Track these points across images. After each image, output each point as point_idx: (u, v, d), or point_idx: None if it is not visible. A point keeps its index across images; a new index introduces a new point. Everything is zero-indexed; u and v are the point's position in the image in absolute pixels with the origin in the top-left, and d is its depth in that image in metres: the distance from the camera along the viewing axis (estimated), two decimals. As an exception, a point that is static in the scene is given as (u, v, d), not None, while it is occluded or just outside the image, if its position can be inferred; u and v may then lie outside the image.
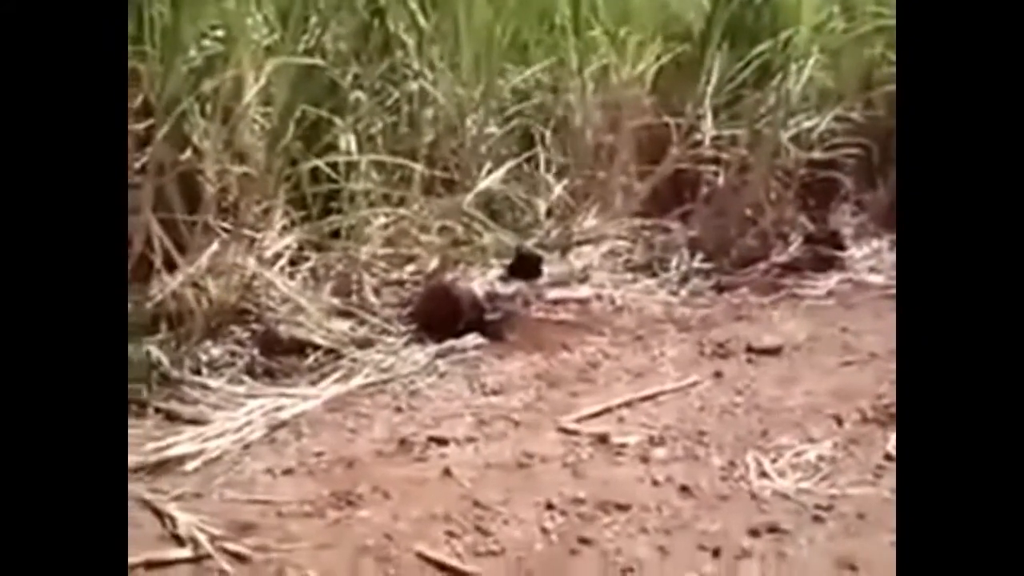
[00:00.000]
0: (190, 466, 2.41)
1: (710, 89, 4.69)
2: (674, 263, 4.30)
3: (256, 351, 3.07)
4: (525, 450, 2.62)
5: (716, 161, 4.59)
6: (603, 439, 2.72)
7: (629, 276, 4.20)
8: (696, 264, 4.33)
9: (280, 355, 3.09)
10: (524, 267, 3.86)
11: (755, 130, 4.66)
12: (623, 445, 2.69)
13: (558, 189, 4.35)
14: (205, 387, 2.84)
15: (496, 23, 4.51)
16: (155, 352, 2.86)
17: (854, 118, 5.14)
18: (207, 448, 2.48)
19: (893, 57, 5.54)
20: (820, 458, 2.68)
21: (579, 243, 4.27)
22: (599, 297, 3.95)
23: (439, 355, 3.24)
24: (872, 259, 4.86)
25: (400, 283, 3.68)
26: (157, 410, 2.72)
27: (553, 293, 3.90)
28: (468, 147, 4.14)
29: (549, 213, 4.33)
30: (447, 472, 2.47)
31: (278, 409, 2.75)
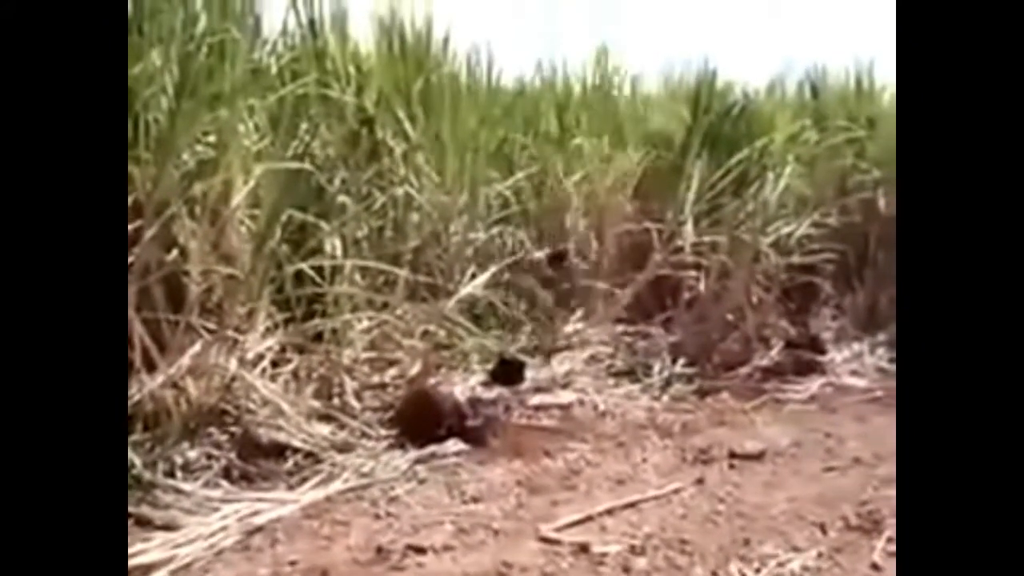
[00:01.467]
0: (158, 575, 2.34)
1: (691, 196, 4.83)
2: (656, 368, 4.32)
3: (234, 454, 3.02)
4: (504, 560, 2.56)
5: (697, 267, 4.68)
6: (584, 548, 2.66)
7: (611, 381, 4.21)
8: (678, 369, 4.36)
9: (258, 458, 3.05)
10: (506, 372, 3.87)
11: (735, 236, 4.75)
12: (604, 555, 2.63)
13: (543, 295, 4.40)
14: (179, 491, 2.78)
15: (481, 132, 4.67)
16: (129, 454, 2.82)
17: (830, 223, 5.29)
18: (177, 555, 2.41)
19: (864, 166, 5.77)
20: (804, 568, 2.62)
21: (562, 348, 4.29)
22: (581, 403, 3.95)
23: (419, 461, 3.20)
24: (853, 363, 4.91)
25: (382, 387, 3.67)
26: (128, 515, 2.66)
27: (535, 399, 3.90)
28: (452, 252, 4.22)
29: (533, 318, 4.37)
30: (424, 582, 2.41)
31: (254, 514, 2.69)
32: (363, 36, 4.27)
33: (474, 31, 5.21)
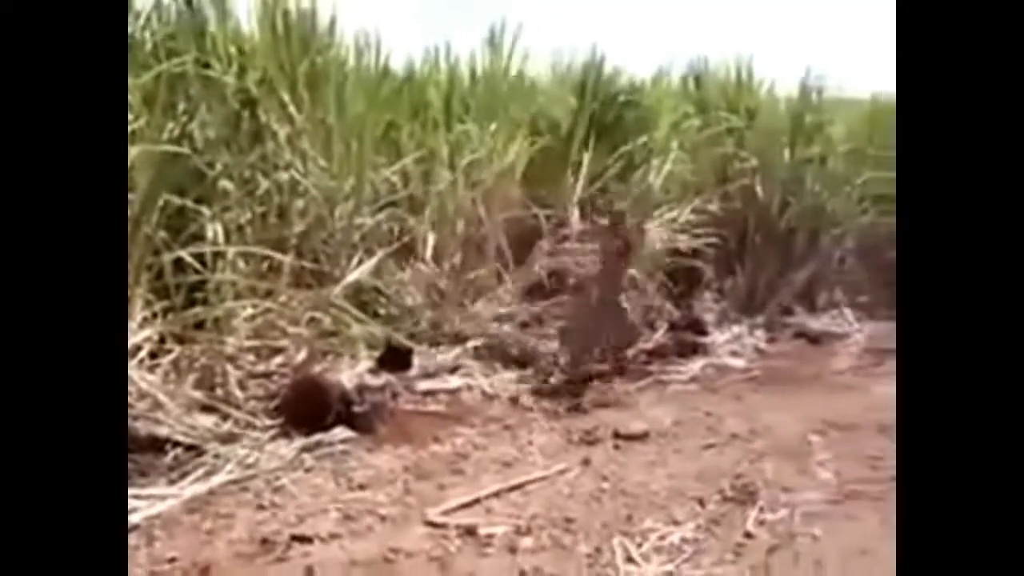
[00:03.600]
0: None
1: (578, 182, 4.91)
2: (543, 352, 4.37)
3: (109, 450, 2.91)
4: (391, 545, 2.57)
5: (584, 252, 4.73)
6: (470, 531, 2.69)
7: (499, 366, 4.24)
8: (565, 353, 4.40)
9: (136, 453, 2.94)
10: (394, 359, 3.85)
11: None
12: (490, 536, 2.67)
13: (430, 280, 4.39)
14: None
15: (368, 116, 4.60)
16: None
17: (712, 210, 5.47)
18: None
19: (744, 154, 6.00)
20: (684, 540, 2.73)
21: (450, 334, 4.30)
22: (469, 388, 3.98)
23: (305, 449, 3.16)
24: (733, 344, 5.10)
25: (267, 375, 3.60)
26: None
27: (423, 384, 3.90)
28: (338, 238, 4.16)
29: (421, 304, 4.35)
30: (309, 572, 2.39)
31: (130, 512, 2.61)
32: (245, 14, 4.15)
33: (362, 14, 5.14)
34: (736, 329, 5.27)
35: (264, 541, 2.54)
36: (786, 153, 6.16)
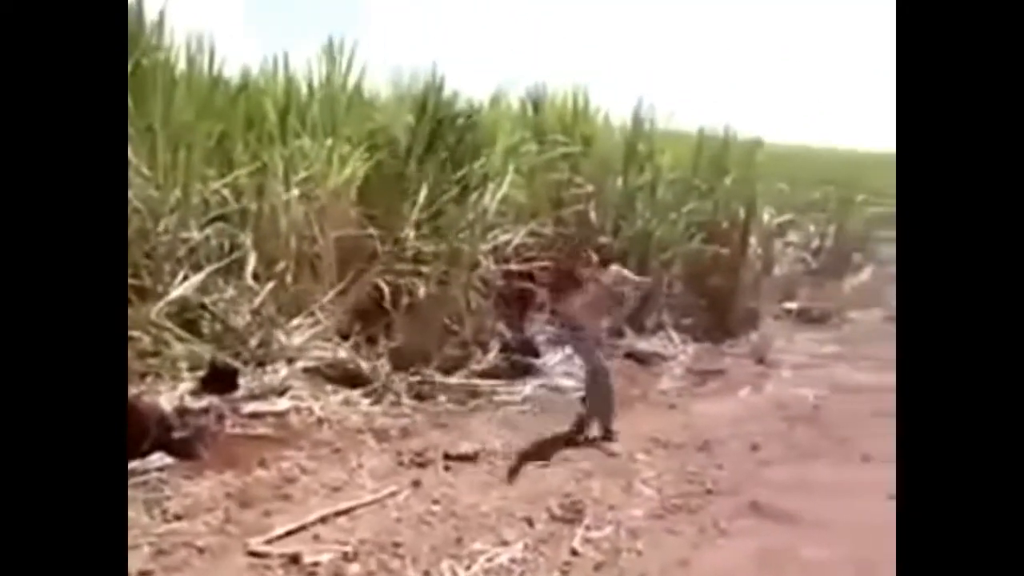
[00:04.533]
0: None
1: (415, 202, 4.88)
2: (375, 373, 4.31)
3: None
4: (209, 579, 2.45)
5: (418, 273, 4.72)
6: (295, 559, 2.61)
7: (329, 388, 4.15)
8: (397, 374, 4.38)
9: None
10: (219, 380, 3.69)
11: (455, 243, 4.86)
12: (316, 564, 2.60)
13: (259, 298, 4.23)
14: None
15: (198, 125, 4.41)
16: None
17: (546, 233, 5.59)
18: None
19: (579, 180, 6.18)
20: (512, 560, 2.76)
21: (279, 354, 4.16)
22: (298, 410, 3.86)
23: (117, 477, 2.96)
24: (564, 364, 5.22)
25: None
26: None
27: (250, 407, 3.75)
28: (162, 252, 3.94)
29: (250, 323, 4.19)
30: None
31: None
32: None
33: (194, 17, 4.92)
34: (568, 350, 5.39)
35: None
36: (619, 180, 6.40)
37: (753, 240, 7.27)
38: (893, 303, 9.09)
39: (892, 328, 7.91)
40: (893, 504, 3.41)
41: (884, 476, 3.72)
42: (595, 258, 4.29)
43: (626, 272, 4.19)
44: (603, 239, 6.10)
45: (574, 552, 2.86)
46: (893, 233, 11.61)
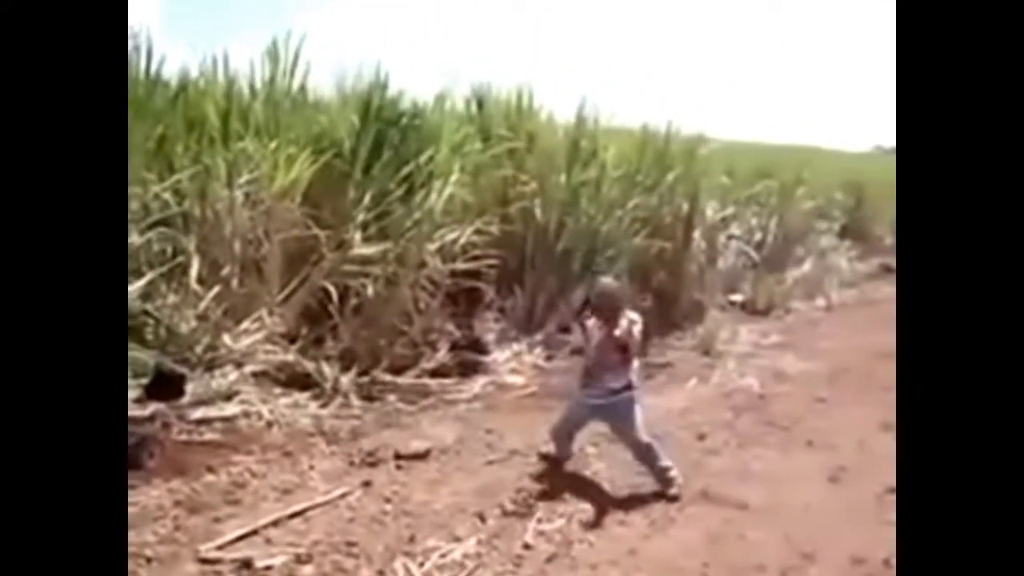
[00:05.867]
0: None
1: (361, 202, 4.85)
2: (324, 375, 4.29)
3: None
4: (158, 587, 2.43)
5: (365, 274, 4.69)
6: (247, 564, 2.59)
7: (278, 390, 4.11)
8: (346, 375, 4.36)
9: None
10: (165, 386, 3.64)
11: (402, 242, 4.85)
12: (268, 568, 2.59)
13: (204, 303, 4.17)
14: None
15: (136, 127, 4.31)
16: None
17: (492, 231, 5.60)
18: None
19: (524, 177, 6.19)
20: (465, 555, 2.78)
21: (227, 358, 4.11)
22: (247, 414, 3.82)
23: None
24: (513, 362, 5.25)
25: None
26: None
27: (197, 413, 3.70)
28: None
29: (195, 328, 4.13)
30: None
31: None
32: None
33: (129, 13, 4.81)
34: (516, 347, 5.43)
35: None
36: (563, 177, 6.44)
37: (697, 234, 7.37)
38: (832, 295, 9.37)
39: (833, 318, 8.15)
40: (834, 487, 3.53)
41: (826, 461, 3.88)
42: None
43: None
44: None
45: (526, 546, 2.89)
46: (831, 225, 11.92)
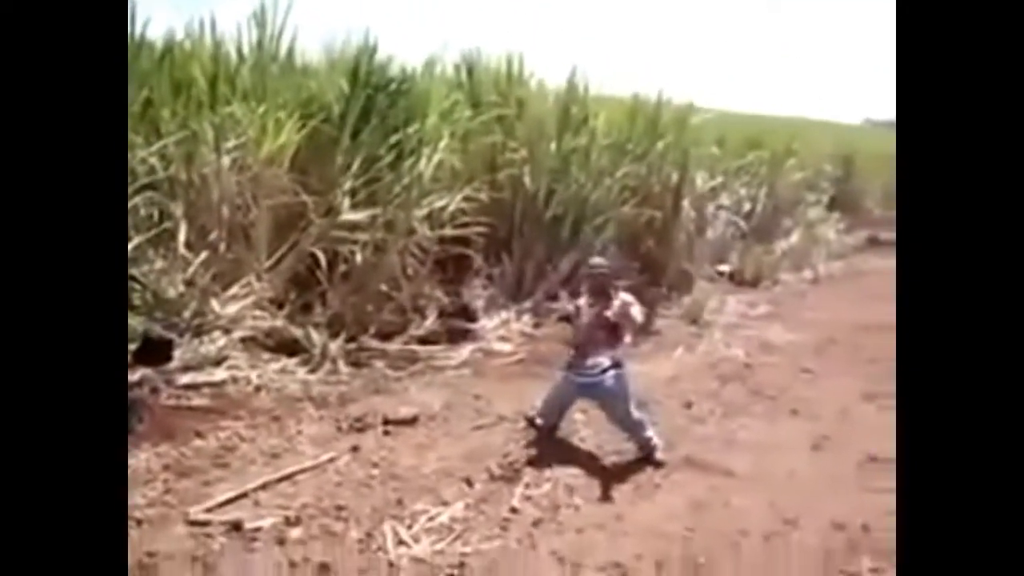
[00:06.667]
0: None
1: (349, 168, 4.82)
2: (312, 341, 4.29)
3: None
4: (147, 550, 2.44)
5: (354, 240, 4.68)
6: (236, 526, 2.61)
7: (266, 356, 4.12)
8: (334, 341, 4.36)
9: None
10: (153, 352, 3.63)
11: (390, 209, 4.83)
12: (257, 530, 2.61)
13: (192, 268, 4.15)
14: None
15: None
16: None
17: (481, 198, 5.58)
18: None
19: (513, 144, 6.16)
20: (453, 519, 2.81)
21: (215, 324, 4.10)
22: (235, 379, 3.83)
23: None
24: (501, 329, 5.27)
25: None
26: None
27: (185, 378, 3.71)
28: (88, 222, 3.84)
29: (183, 293, 4.12)
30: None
31: None
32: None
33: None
34: (504, 315, 5.44)
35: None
36: (553, 144, 6.41)
37: (686, 204, 7.38)
38: (820, 266, 9.41)
39: (820, 289, 8.19)
40: (817, 455, 3.56)
41: (811, 429, 3.92)
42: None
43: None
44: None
45: (514, 510, 2.92)
46: (820, 197, 11.93)
